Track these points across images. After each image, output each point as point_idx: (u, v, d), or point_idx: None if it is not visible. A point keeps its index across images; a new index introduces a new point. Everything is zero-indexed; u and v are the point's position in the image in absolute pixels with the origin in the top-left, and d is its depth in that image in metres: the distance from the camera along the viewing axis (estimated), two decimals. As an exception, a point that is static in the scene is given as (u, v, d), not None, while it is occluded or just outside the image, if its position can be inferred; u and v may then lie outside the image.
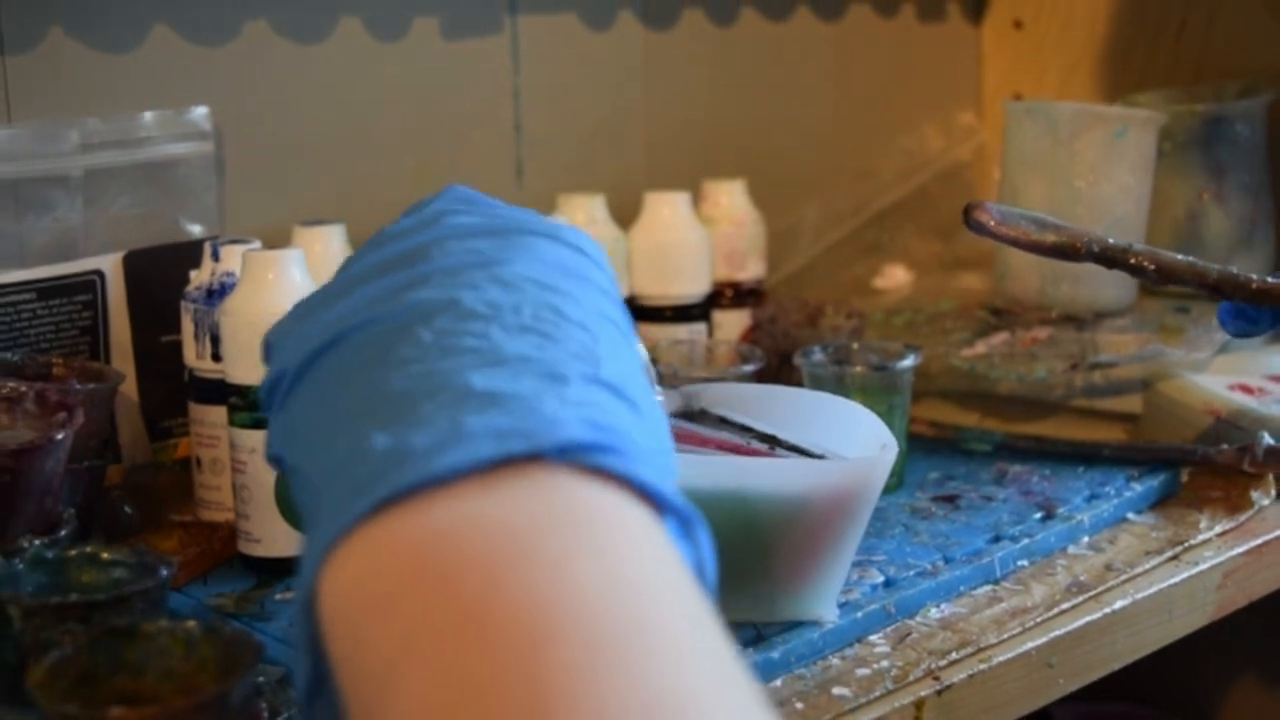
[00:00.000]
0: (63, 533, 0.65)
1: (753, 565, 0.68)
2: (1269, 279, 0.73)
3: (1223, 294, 0.74)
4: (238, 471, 0.77)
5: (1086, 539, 0.83)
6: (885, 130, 1.31)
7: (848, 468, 0.70)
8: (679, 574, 0.40)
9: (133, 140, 0.90)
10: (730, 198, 1.05)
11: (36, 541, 0.62)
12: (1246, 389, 0.94)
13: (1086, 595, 0.76)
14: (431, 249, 0.48)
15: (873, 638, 0.71)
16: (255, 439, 0.76)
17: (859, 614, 0.71)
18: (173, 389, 0.87)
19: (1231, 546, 0.83)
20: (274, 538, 0.77)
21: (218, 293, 0.80)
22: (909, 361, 0.87)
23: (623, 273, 0.97)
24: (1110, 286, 1.06)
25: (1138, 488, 0.87)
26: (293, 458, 0.45)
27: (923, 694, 0.67)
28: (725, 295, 1.04)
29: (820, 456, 0.73)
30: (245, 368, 0.76)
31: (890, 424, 0.73)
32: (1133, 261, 0.73)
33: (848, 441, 0.74)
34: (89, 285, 0.86)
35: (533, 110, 1.10)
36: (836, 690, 0.66)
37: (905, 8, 1.32)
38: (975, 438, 0.95)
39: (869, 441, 0.72)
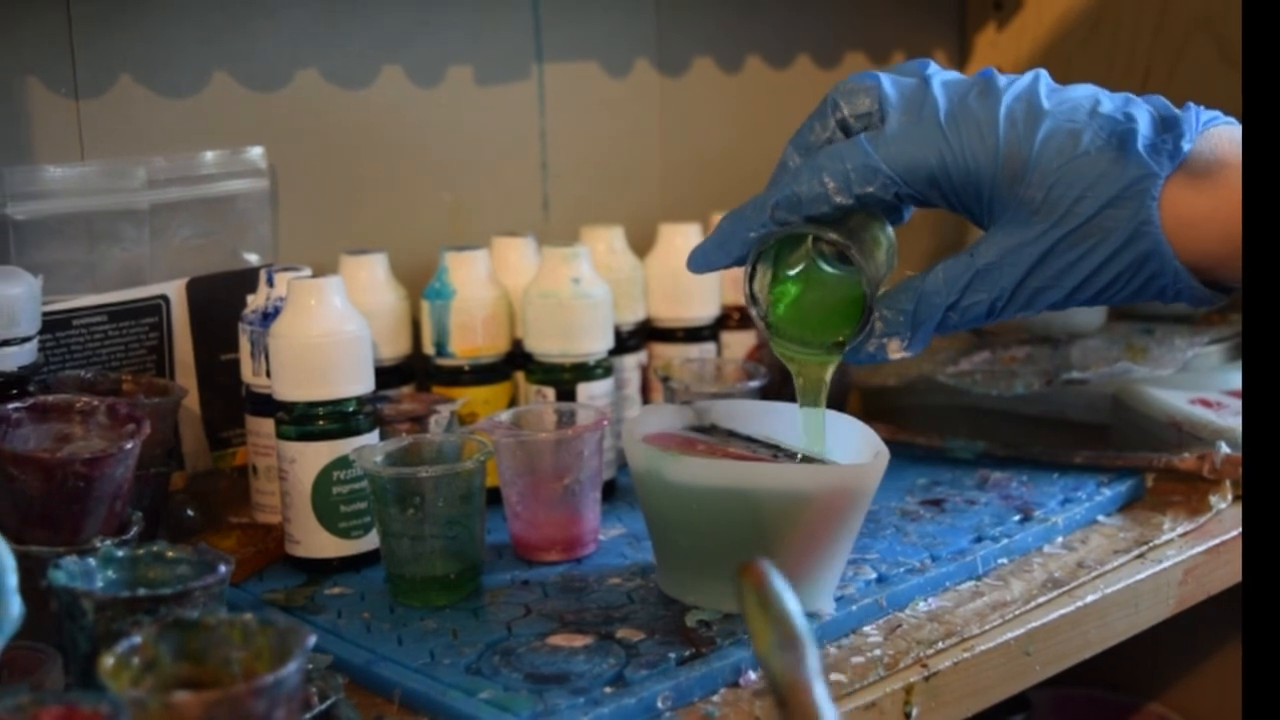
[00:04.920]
0: (131, 533, 0.65)
1: (757, 563, 0.68)
2: None
3: None
4: (282, 479, 0.77)
5: (1061, 539, 0.83)
6: (877, 167, 1.31)
7: (844, 472, 0.70)
8: None
9: (195, 177, 0.90)
10: (736, 229, 1.05)
11: (108, 541, 0.63)
12: (1206, 403, 0.94)
13: (1060, 590, 0.76)
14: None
15: (866, 629, 0.71)
16: (296, 450, 0.76)
17: (854, 607, 0.71)
18: (231, 403, 0.87)
19: (1192, 546, 0.83)
20: (312, 540, 0.77)
21: (272, 315, 0.80)
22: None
23: (639, 298, 0.97)
24: (1082, 311, 1.06)
25: (1107, 492, 0.87)
26: None
27: (912, 680, 0.67)
28: (733, 318, 1.04)
29: (819, 462, 0.73)
30: (290, 385, 0.76)
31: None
32: None
33: (844, 449, 0.74)
34: (155, 309, 0.86)
35: (558, 149, 1.10)
36: (833, 676, 0.65)
37: (896, 58, 1.32)
38: (959, 447, 0.95)
39: (863, 450, 0.72)
